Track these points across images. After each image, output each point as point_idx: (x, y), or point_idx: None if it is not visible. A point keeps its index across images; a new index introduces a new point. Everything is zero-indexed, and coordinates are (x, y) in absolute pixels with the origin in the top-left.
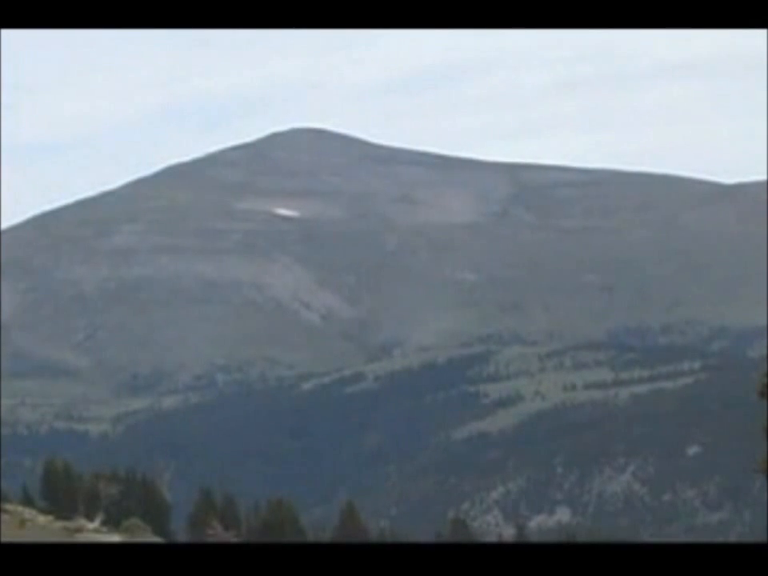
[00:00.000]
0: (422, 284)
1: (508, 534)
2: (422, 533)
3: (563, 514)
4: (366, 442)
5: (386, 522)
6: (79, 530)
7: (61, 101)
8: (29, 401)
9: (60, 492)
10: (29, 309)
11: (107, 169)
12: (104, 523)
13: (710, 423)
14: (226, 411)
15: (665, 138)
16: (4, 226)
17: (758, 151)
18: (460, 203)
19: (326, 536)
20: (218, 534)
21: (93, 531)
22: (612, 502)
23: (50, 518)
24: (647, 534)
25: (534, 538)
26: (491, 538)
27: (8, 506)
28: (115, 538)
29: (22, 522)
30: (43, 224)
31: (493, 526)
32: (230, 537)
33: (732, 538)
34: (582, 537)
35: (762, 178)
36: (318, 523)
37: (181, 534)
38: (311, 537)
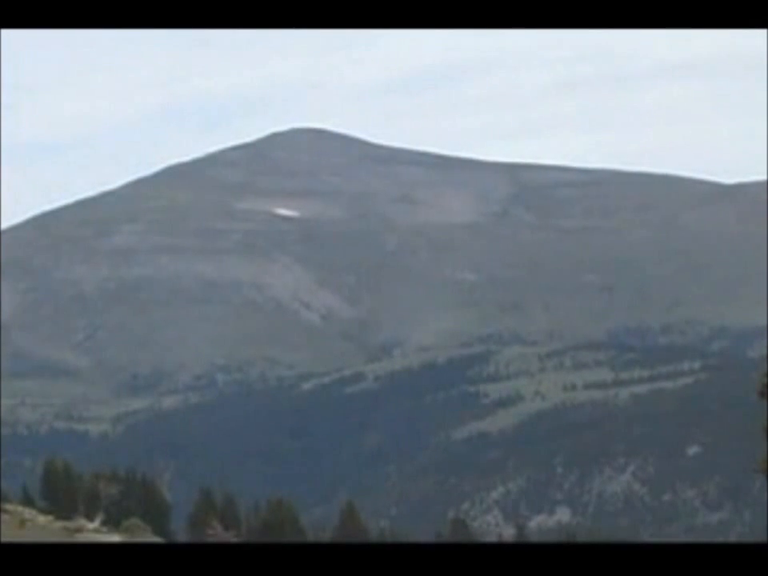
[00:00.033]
0: (422, 284)
1: (508, 534)
2: (422, 533)
3: (563, 514)
4: (366, 441)
5: (386, 522)
6: (79, 530)
7: (61, 101)
8: (29, 401)
9: (60, 492)
10: (29, 309)
11: (107, 169)
12: (104, 523)
13: (710, 423)
14: (226, 411)
15: (665, 138)
16: (4, 226)
17: (758, 151)
18: (460, 203)
19: (326, 536)
20: (218, 534)
21: (93, 531)
22: (612, 502)
23: (50, 517)
24: (647, 534)
25: (534, 538)
26: (491, 538)
27: (8, 506)
28: (115, 537)
29: (22, 522)
30: (43, 224)
31: (493, 526)
32: (230, 537)
33: (732, 537)
34: (582, 537)
35: (762, 178)
36: (318, 523)
37: (181, 534)
38: (311, 537)
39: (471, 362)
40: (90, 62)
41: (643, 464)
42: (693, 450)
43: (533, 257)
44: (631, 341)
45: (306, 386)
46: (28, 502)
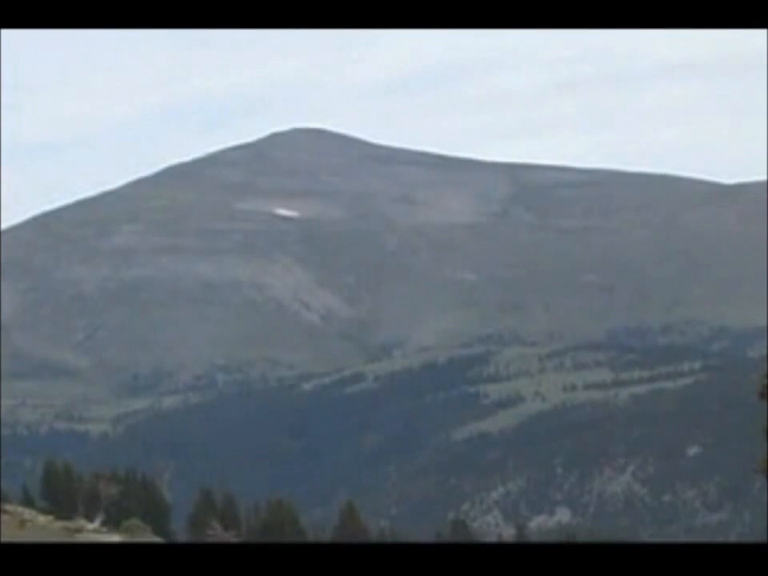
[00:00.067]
0: (422, 284)
1: (508, 534)
2: (422, 533)
3: (563, 515)
4: (366, 441)
5: (386, 522)
6: (79, 530)
7: (61, 101)
8: (29, 401)
9: (60, 492)
10: (29, 309)
11: (107, 169)
12: (104, 523)
13: (710, 423)
14: (226, 411)
15: (665, 138)
16: (4, 226)
17: (757, 151)
18: (460, 203)
19: (326, 536)
20: (218, 534)
21: (93, 531)
22: (612, 503)
23: (50, 518)
24: (647, 534)
25: (534, 538)
26: (491, 539)
27: (8, 507)
28: (115, 538)
29: (22, 523)
30: (43, 224)
31: (493, 526)
32: (230, 537)
33: (732, 538)
34: (582, 537)
35: (762, 178)
36: (318, 523)
37: (181, 534)
38: (311, 537)
39: (471, 362)
40: (90, 62)
41: (643, 464)
42: (693, 450)
43: (533, 257)
44: (631, 341)
45: (306, 386)
46: (28, 502)
